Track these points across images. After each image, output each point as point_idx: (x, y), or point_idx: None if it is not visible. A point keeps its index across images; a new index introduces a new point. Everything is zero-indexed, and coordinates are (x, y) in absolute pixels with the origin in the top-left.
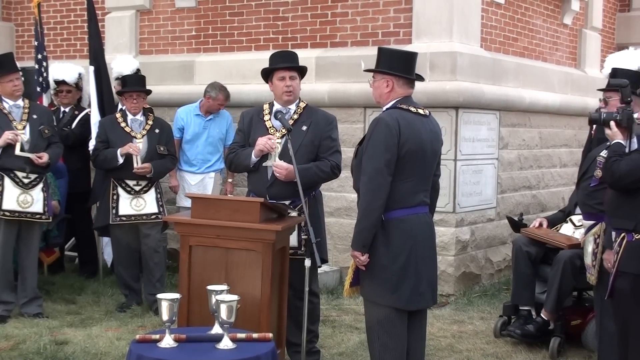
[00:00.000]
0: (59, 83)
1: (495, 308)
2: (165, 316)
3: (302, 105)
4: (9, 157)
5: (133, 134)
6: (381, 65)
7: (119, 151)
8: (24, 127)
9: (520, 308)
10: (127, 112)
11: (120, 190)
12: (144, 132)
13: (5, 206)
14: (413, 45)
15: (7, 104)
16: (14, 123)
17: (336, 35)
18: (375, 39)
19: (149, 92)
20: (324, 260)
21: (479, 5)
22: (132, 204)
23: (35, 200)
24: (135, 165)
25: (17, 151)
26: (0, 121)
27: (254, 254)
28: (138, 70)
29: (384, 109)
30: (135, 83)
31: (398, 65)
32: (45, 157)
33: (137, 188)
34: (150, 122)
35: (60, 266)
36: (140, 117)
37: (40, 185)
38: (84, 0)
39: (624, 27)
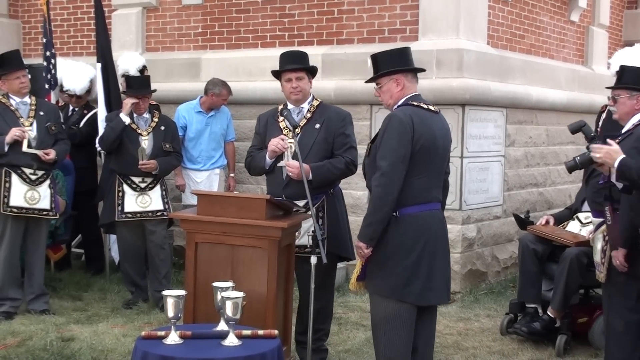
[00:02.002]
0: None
1: (501, 306)
2: (170, 313)
3: (315, 103)
4: (16, 153)
5: (139, 131)
6: (382, 68)
7: (121, 115)
8: (31, 124)
9: (527, 306)
10: (133, 111)
11: (125, 187)
12: (150, 129)
13: (12, 203)
14: (419, 42)
15: (14, 100)
16: (21, 120)
17: (342, 32)
18: (382, 36)
19: (153, 91)
20: (347, 258)
21: (485, 2)
22: (138, 201)
23: (42, 197)
24: (140, 160)
25: (24, 148)
26: (8, 118)
27: (260, 251)
28: (144, 67)
29: (395, 107)
30: (139, 85)
31: (400, 61)
32: (52, 154)
33: (143, 185)
34: (155, 120)
35: (67, 263)
36: (146, 114)
37: (47, 182)
38: None
39: (631, 24)
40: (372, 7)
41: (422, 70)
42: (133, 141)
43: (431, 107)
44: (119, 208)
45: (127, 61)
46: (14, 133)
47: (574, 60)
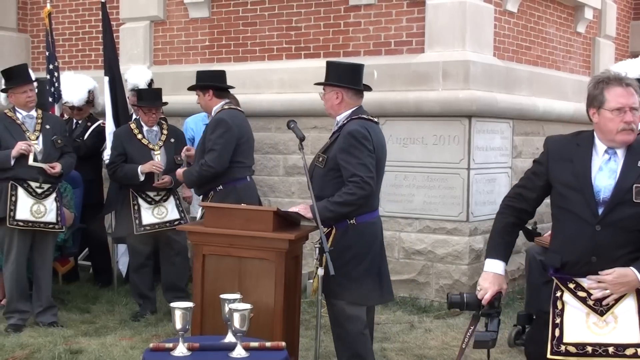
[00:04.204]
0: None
1: (509, 317)
2: (178, 325)
3: (213, 114)
4: (22, 167)
5: (150, 146)
6: (330, 78)
7: (140, 169)
8: (37, 138)
9: (535, 317)
10: (143, 124)
11: (140, 201)
12: (161, 143)
13: (18, 216)
14: (426, 54)
15: (21, 114)
16: (27, 133)
17: (349, 44)
18: (388, 48)
19: (164, 104)
20: None
21: (491, 14)
22: (155, 213)
23: (48, 210)
24: (156, 180)
25: (30, 161)
26: (14, 132)
27: (267, 262)
28: (152, 81)
29: (339, 119)
30: (152, 97)
31: (346, 77)
32: (58, 167)
33: (157, 198)
34: (165, 132)
35: (75, 275)
36: (155, 127)
37: (54, 195)
38: (98, 11)
39: (637, 35)
40: (379, 19)
41: (369, 89)
42: (146, 157)
43: (374, 119)
44: (137, 222)
45: (136, 75)
46: (19, 147)
47: (580, 72)
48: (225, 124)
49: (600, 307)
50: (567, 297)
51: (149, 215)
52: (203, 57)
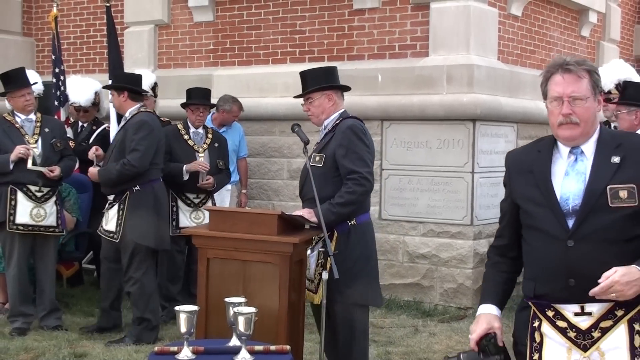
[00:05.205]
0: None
1: (510, 320)
2: (183, 328)
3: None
4: (21, 171)
5: (196, 147)
6: (312, 85)
7: (185, 168)
8: (36, 141)
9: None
10: (190, 124)
11: (180, 203)
12: (205, 146)
13: (18, 220)
14: (430, 57)
15: (20, 118)
16: (26, 137)
17: (353, 48)
18: (392, 51)
19: (213, 105)
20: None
21: (495, 18)
22: (192, 217)
23: (48, 214)
24: (201, 180)
25: (29, 165)
26: (13, 135)
27: (271, 266)
28: (155, 84)
29: (327, 122)
30: (201, 96)
31: (329, 79)
32: (57, 171)
33: (197, 201)
34: (210, 136)
35: (79, 279)
36: (200, 130)
37: (53, 199)
38: (103, 15)
39: None
40: (383, 23)
41: (348, 88)
42: (190, 157)
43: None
44: (173, 223)
45: None
46: (18, 151)
47: None
48: (148, 126)
49: (583, 341)
50: (546, 328)
51: (185, 219)
52: (207, 61)
